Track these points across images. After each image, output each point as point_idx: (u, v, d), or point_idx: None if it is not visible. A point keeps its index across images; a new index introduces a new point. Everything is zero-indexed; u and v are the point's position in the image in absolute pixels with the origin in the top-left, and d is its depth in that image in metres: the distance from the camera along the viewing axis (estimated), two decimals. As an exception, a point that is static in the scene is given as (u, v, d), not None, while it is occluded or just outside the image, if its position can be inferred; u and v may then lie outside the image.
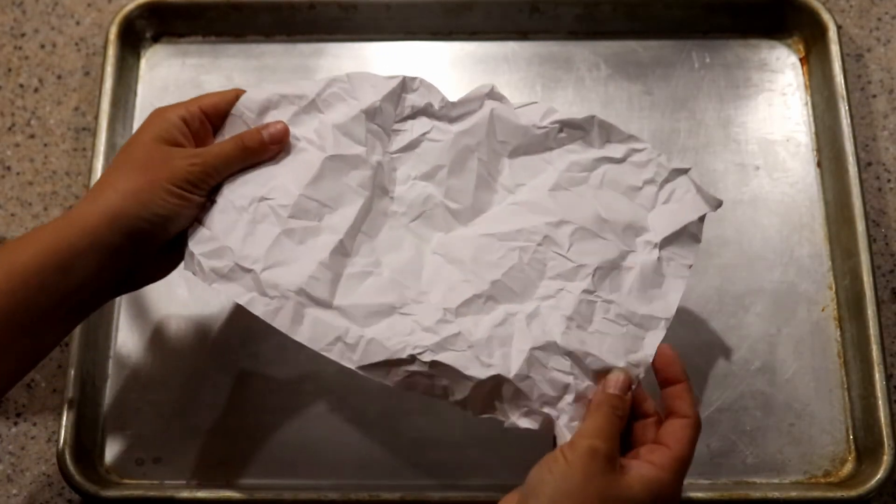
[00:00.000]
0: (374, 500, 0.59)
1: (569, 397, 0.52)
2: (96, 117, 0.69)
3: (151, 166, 0.53)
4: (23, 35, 0.76)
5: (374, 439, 0.62)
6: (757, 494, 0.59)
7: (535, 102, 0.60)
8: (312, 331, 0.53)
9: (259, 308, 0.53)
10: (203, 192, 0.55)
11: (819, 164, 0.69)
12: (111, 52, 0.71)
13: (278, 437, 0.62)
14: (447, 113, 0.59)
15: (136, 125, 0.71)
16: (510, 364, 0.52)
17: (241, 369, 0.64)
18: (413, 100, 0.59)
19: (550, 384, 0.52)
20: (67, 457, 0.60)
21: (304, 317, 0.53)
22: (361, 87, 0.58)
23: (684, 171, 0.59)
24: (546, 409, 0.52)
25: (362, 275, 0.55)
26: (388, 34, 0.74)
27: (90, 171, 0.67)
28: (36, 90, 0.74)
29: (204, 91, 0.71)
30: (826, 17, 0.71)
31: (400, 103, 0.58)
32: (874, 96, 0.73)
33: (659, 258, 0.56)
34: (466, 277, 0.55)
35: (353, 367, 0.52)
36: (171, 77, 0.73)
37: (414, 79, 0.59)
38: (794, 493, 0.60)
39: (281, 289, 0.53)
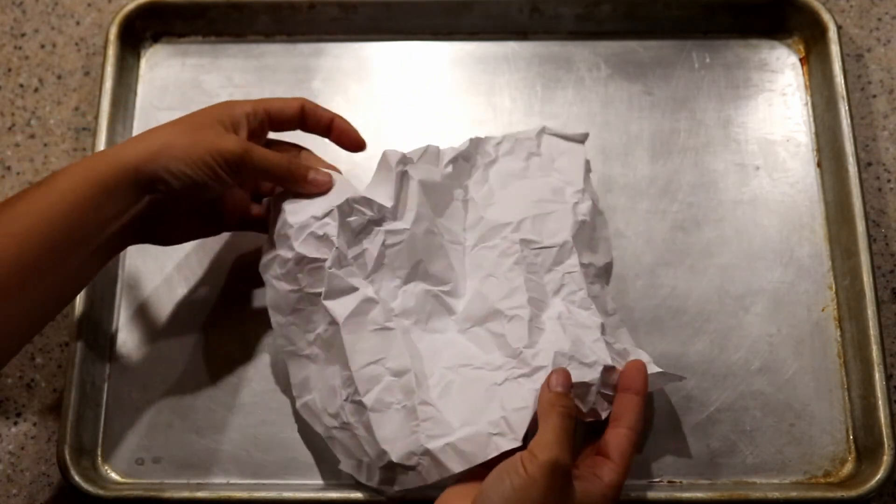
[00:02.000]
0: (373, 500, 0.59)
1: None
2: (96, 117, 0.69)
3: (202, 134, 0.56)
4: (23, 35, 0.76)
5: (374, 439, 0.62)
6: (757, 494, 0.59)
7: (427, 146, 0.62)
8: (466, 452, 0.54)
9: (423, 479, 0.55)
10: (235, 178, 0.57)
11: (819, 164, 0.69)
12: (111, 52, 0.71)
13: (279, 436, 0.62)
14: (385, 214, 0.60)
15: (137, 125, 0.71)
16: (604, 356, 0.56)
17: (242, 369, 0.64)
18: (355, 221, 0.59)
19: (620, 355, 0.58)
20: (67, 457, 0.60)
21: (449, 451, 0.54)
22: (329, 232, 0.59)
23: (542, 131, 0.65)
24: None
25: (446, 388, 0.56)
26: (388, 34, 0.74)
27: (90, 171, 0.67)
28: (36, 90, 0.74)
29: (203, 91, 0.72)
30: (826, 17, 0.71)
31: (350, 231, 0.59)
32: (874, 96, 0.73)
33: (591, 201, 0.63)
34: (510, 315, 0.58)
35: (518, 444, 0.53)
36: (171, 77, 0.73)
37: (345, 203, 0.58)
38: (794, 493, 0.60)
39: (416, 452, 0.54)
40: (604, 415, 0.56)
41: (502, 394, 0.56)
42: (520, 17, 0.73)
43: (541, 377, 0.55)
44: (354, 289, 0.58)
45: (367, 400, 0.55)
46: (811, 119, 0.71)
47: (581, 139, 0.66)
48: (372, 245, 0.59)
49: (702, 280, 0.66)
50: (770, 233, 0.68)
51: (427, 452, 0.54)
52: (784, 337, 0.65)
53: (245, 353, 0.64)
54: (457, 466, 0.54)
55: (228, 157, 0.55)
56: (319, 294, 0.58)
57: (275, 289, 0.59)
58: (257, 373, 0.64)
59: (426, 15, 0.73)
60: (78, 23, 0.76)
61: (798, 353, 0.64)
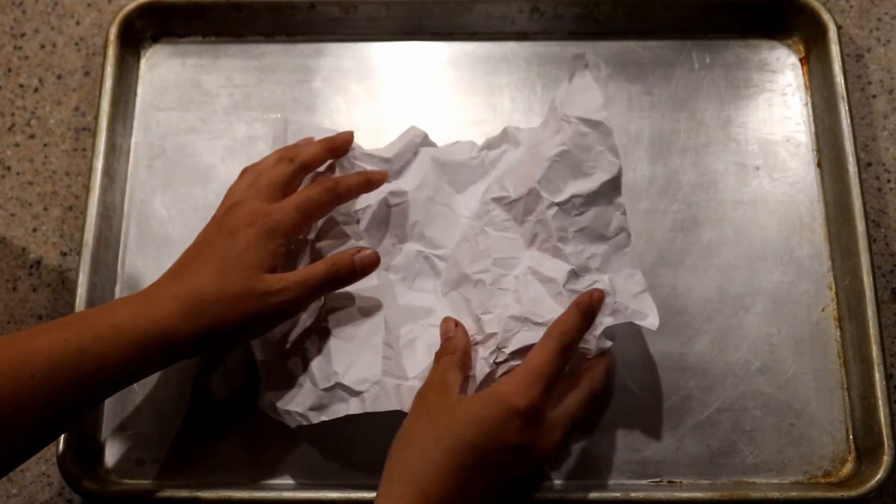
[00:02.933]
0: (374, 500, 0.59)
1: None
2: (96, 117, 0.69)
3: (244, 300, 0.54)
4: (23, 35, 0.76)
5: (374, 439, 0.62)
6: (757, 494, 0.59)
7: (458, 141, 0.65)
8: (413, 399, 0.56)
9: (363, 406, 0.56)
10: (290, 315, 0.57)
11: (819, 164, 0.69)
12: (111, 52, 0.71)
13: (278, 437, 0.62)
14: (390, 171, 0.63)
15: (137, 125, 0.71)
16: (558, 312, 0.56)
17: (241, 369, 0.64)
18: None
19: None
20: (67, 457, 0.60)
21: (401, 391, 0.56)
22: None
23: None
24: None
25: (411, 341, 0.59)
26: (388, 34, 0.74)
27: (90, 171, 0.67)
28: (36, 90, 0.74)
29: (203, 91, 0.72)
30: (826, 17, 0.71)
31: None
32: (874, 96, 0.73)
33: (575, 122, 0.59)
34: (475, 280, 0.59)
35: None
36: (171, 77, 0.73)
37: (346, 159, 0.63)
38: (794, 493, 0.60)
39: (369, 379, 0.57)
40: None
41: None
42: (520, 17, 0.73)
43: (490, 345, 0.56)
44: (346, 236, 0.60)
45: (332, 325, 0.58)
46: (811, 119, 0.71)
47: (579, 63, 0.62)
48: (374, 202, 0.62)
49: (702, 280, 0.66)
50: (770, 233, 0.68)
51: (380, 382, 0.56)
52: (784, 337, 0.65)
53: (244, 353, 0.64)
54: (400, 405, 0.56)
55: (276, 313, 0.55)
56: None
57: None
58: (258, 373, 0.64)
59: (426, 15, 0.73)
60: (78, 23, 0.76)
61: (798, 353, 0.64)
